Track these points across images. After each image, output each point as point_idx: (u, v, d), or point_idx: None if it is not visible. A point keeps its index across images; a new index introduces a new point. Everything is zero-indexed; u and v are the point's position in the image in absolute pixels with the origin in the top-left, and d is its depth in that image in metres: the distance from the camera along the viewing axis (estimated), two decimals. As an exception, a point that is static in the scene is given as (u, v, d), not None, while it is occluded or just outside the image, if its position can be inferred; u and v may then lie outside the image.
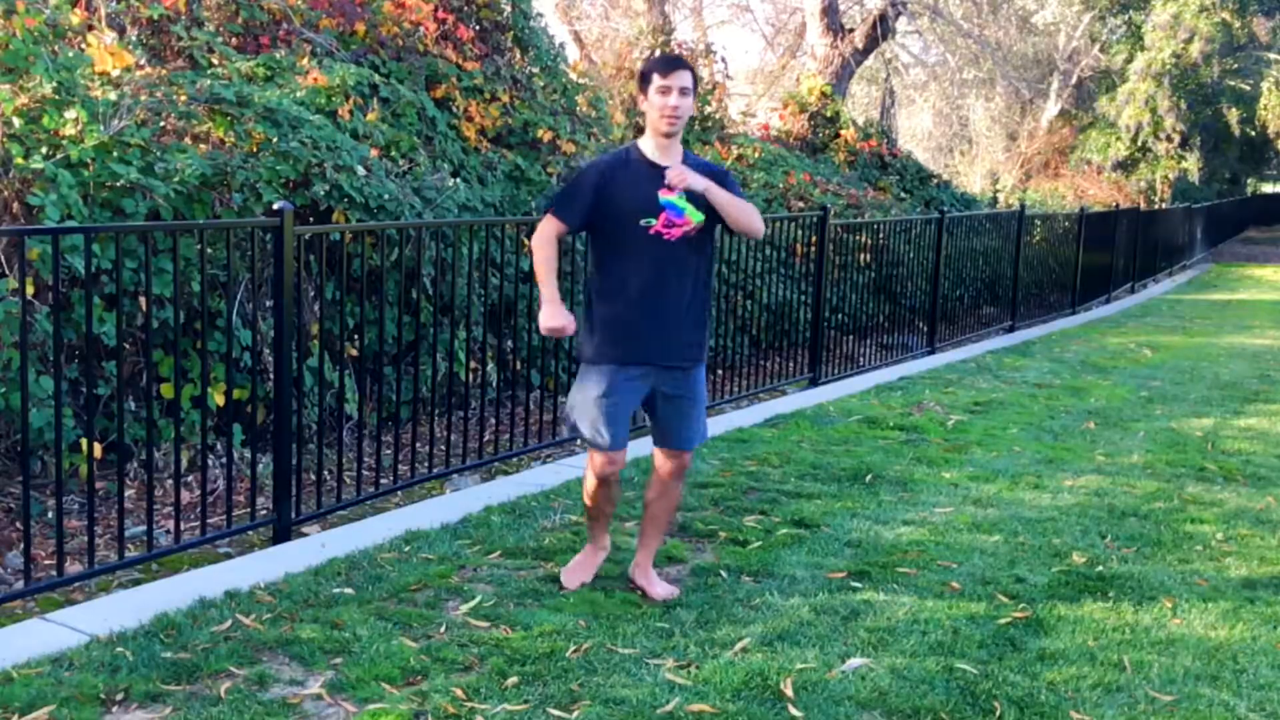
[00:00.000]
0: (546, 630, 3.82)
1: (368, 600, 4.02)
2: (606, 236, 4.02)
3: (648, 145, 4.03)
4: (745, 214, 4.04)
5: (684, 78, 3.92)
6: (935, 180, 16.17)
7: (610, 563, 4.48)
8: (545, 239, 4.04)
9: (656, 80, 3.92)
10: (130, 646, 3.54)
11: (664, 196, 3.93)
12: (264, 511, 4.85)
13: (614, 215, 3.98)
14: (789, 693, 3.43)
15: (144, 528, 4.54)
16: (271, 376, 5.25)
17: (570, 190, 4.11)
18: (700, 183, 3.91)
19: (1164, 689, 3.59)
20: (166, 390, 5.19)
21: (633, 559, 4.34)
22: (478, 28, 8.55)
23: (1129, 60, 27.74)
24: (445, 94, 7.99)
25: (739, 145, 12.72)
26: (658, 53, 13.00)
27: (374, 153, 6.61)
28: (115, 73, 5.95)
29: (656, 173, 3.96)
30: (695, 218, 3.97)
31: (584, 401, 4.05)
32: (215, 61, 6.99)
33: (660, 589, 4.21)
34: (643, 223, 3.94)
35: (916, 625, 4.00)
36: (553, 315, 3.95)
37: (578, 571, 4.32)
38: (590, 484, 4.20)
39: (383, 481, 5.57)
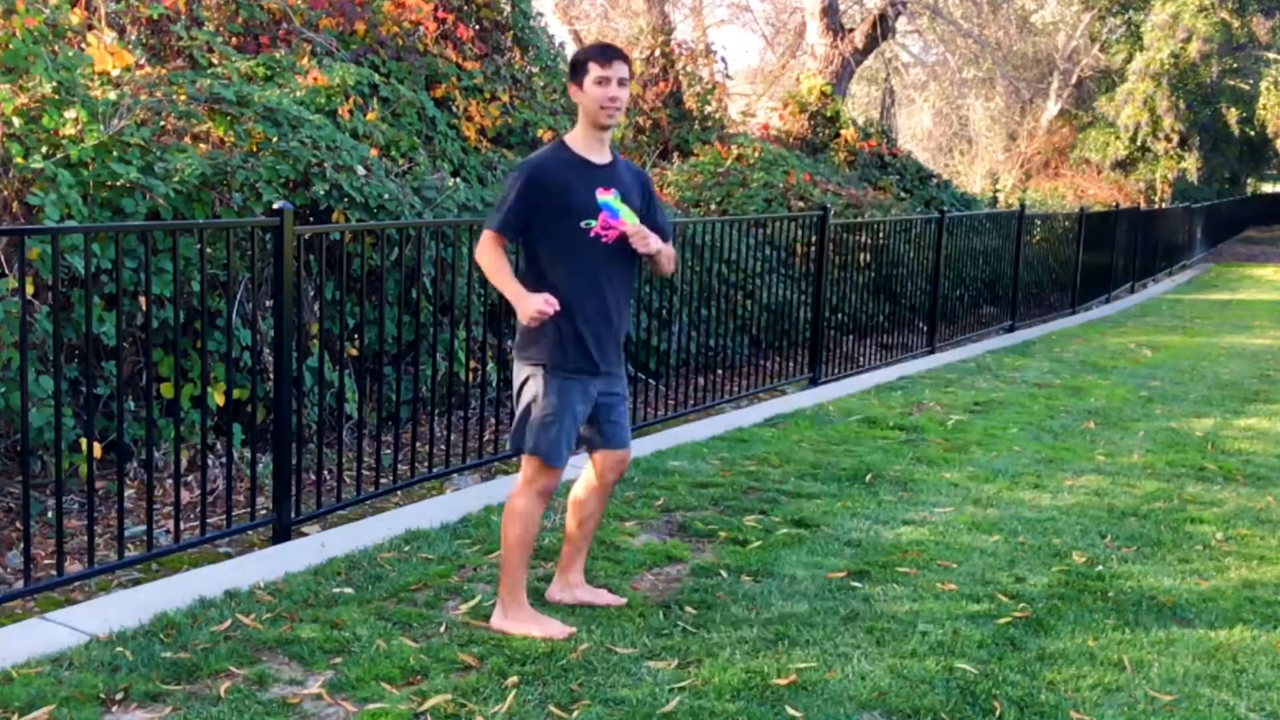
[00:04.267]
0: (546, 630, 3.82)
1: (368, 600, 4.02)
2: (549, 239, 3.80)
3: (579, 140, 3.84)
4: (671, 263, 4.04)
5: (623, 69, 3.78)
6: (935, 180, 16.17)
7: (609, 561, 4.48)
8: (491, 247, 3.85)
9: (595, 70, 3.74)
10: (130, 646, 3.54)
11: (601, 197, 3.79)
12: (264, 511, 4.85)
13: (557, 216, 3.77)
14: (789, 693, 3.43)
15: (144, 527, 4.54)
16: (271, 376, 5.25)
17: (508, 202, 3.82)
18: (655, 245, 3.85)
19: (1164, 689, 3.59)
20: (166, 390, 5.19)
21: (560, 579, 4.13)
22: (477, 27, 8.56)
23: (1128, 60, 27.77)
24: (445, 94, 8.00)
25: (739, 145, 12.72)
26: (658, 53, 13.01)
27: (374, 152, 6.62)
28: (115, 72, 5.96)
29: (594, 171, 3.83)
30: (630, 220, 3.82)
31: (548, 413, 3.79)
32: (215, 61, 6.99)
33: (610, 596, 4.14)
34: (584, 224, 3.78)
35: (916, 625, 4.00)
36: (530, 300, 3.69)
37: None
38: (532, 512, 3.87)
39: (383, 481, 5.57)
